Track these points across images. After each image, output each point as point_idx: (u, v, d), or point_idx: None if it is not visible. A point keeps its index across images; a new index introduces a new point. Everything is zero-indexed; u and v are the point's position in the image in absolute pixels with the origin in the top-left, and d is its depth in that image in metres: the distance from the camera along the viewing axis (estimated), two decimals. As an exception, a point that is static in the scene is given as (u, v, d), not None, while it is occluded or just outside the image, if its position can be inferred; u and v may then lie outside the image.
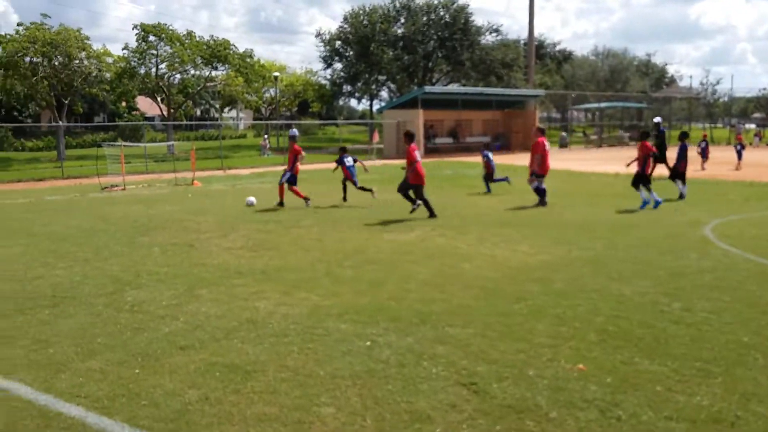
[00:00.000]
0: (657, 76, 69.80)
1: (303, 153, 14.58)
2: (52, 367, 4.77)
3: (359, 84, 55.87)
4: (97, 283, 7.36)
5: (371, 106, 61.48)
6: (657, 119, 20.88)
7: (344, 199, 15.23)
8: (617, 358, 4.79)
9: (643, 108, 53.75)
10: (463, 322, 5.67)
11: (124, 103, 62.40)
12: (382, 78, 55.68)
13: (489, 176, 17.15)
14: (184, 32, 42.59)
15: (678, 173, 15.01)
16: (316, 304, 6.34)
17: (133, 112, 67.73)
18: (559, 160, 29.91)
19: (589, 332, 5.36)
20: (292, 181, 14.27)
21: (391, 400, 4.12)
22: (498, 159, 28.52)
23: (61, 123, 37.45)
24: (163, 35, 40.68)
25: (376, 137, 37.88)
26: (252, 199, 14.84)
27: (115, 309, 6.29)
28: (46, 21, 36.54)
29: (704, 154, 24.29)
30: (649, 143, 13.73)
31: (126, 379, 4.53)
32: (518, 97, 43.62)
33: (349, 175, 14.97)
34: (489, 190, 16.91)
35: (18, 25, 36.46)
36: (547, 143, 14.14)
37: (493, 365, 4.67)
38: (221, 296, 6.68)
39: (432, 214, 11.91)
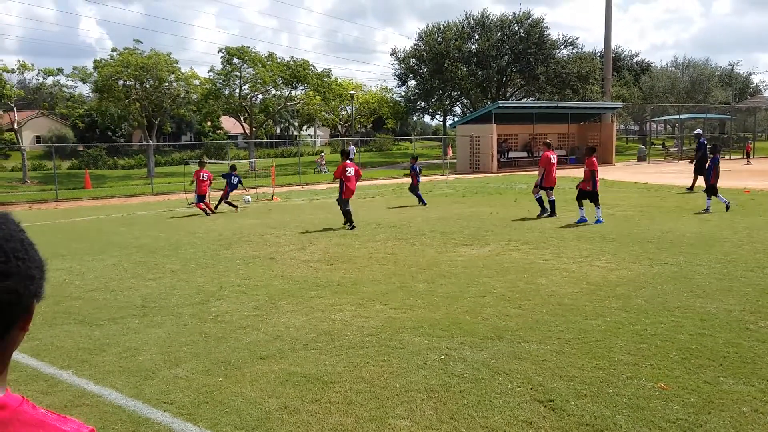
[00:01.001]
0: (740, 87, 66.47)
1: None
2: (141, 374, 5.06)
3: (433, 100, 56.13)
4: (183, 294, 7.74)
5: (445, 121, 61.54)
6: (697, 131, 20.81)
7: (422, 203, 17.36)
8: (701, 377, 4.62)
9: (725, 119, 51.26)
10: (539, 337, 5.61)
11: (209, 123, 65.15)
12: (455, 93, 55.72)
13: (413, 188, 17.99)
14: (266, 54, 44.18)
15: (709, 187, 14.65)
16: (390, 316, 6.43)
17: (218, 131, 70.61)
18: (637, 173, 28.96)
19: (672, 350, 5.18)
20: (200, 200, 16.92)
21: (466, 415, 4.13)
22: (573, 172, 27.90)
23: (151, 142, 39.53)
24: (246, 58, 42.31)
25: (450, 152, 37.86)
26: (248, 197, 18.27)
27: (200, 319, 6.59)
28: (138, 46, 38.83)
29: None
30: (595, 159, 13.29)
31: (210, 387, 4.74)
32: (594, 110, 42.56)
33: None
34: (424, 203, 17.59)
35: (112, 50, 38.94)
36: (553, 156, 14.21)
37: (570, 382, 4.59)
38: (300, 308, 6.88)
39: (350, 224, 13.07)
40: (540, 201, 14.31)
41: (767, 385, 4.42)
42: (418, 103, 57.00)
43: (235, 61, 42.54)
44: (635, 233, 11.40)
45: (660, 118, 57.25)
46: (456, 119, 53.50)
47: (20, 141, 38.88)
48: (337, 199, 13.69)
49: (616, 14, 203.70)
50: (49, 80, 38.42)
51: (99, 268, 9.58)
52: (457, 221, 13.71)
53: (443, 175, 32.37)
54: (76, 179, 34.63)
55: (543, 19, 52.30)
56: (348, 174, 13.23)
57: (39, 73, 38.64)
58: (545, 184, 14.17)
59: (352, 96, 48.92)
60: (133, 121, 41.26)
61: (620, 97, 55.59)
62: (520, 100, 55.75)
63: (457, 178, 29.74)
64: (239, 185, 18.60)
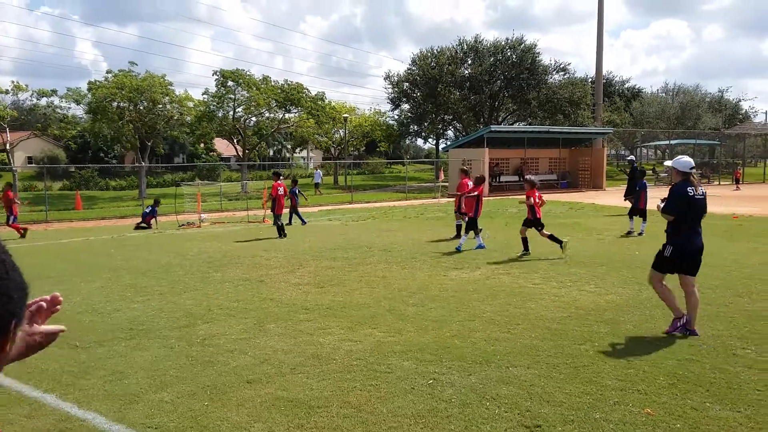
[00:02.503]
0: (730, 113, 67.29)
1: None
2: (126, 398, 5.01)
3: (426, 123, 56.54)
4: (171, 316, 7.69)
5: (437, 144, 61.98)
6: (630, 158, 22.58)
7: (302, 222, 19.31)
8: (688, 403, 4.62)
9: (715, 145, 51.85)
10: (528, 362, 5.60)
11: (202, 145, 65.24)
12: (448, 117, 56.16)
13: (293, 208, 19.56)
14: (260, 77, 44.45)
15: (638, 210, 15.34)
16: (379, 340, 6.41)
17: (211, 153, 70.67)
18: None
19: (659, 376, 5.19)
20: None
21: (452, 439, 4.11)
22: (564, 197, 28.07)
23: (143, 164, 39.51)
24: (241, 80, 42.55)
25: (442, 176, 38.03)
26: (204, 216, 19.49)
27: (187, 342, 6.54)
28: (133, 68, 39.02)
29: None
30: (476, 186, 13.28)
31: (195, 411, 4.70)
32: (585, 135, 42.98)
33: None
34: (304, 222, 19.21)
35: (107, 72, 39.06)
36: (470, 183, 14.13)
37: (558, 407, 4.59)
38: (288, 331, 6.85)
39: (282, 234, 15.71)
40: (459, 227, 14.60)
41: (753, 411, 4.43)
42: (411, 126, 57.38)
43: (230, 83, 42.77)
44: (625, 258, 11.45)
45: (650, 144, 57.89)
46: (448, 143, 53.92)
47: (12, 162, 38.77)
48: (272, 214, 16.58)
49: (607, 40, 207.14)
50: (43, 101, 38.54)
51: (87, 290, 9.51)
52: (448, 244, 13.73)
53: (435, 198, 32.48)
54: (67, 200, 34.49)
55: (535, 45, 52.99)
56: (279, 193, 16.52)
57: (33, 94, 38.78)
58: (465, 210, 14.25)
59: (345, 119, 49.16)
60: (126, 142, 41.26)
61: (611, 122, 56.19)
62: (512, 124, 56.19)
63: (449, 202, 29.82)
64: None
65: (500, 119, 56.11)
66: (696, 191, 6.40)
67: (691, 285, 6.45)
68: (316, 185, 40.21)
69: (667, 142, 51.60)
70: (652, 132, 54.27)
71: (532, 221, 12.19)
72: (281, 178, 17.20)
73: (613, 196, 28.86)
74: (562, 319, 7.15)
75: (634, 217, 15.39)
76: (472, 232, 13.03)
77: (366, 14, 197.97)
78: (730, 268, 10.23)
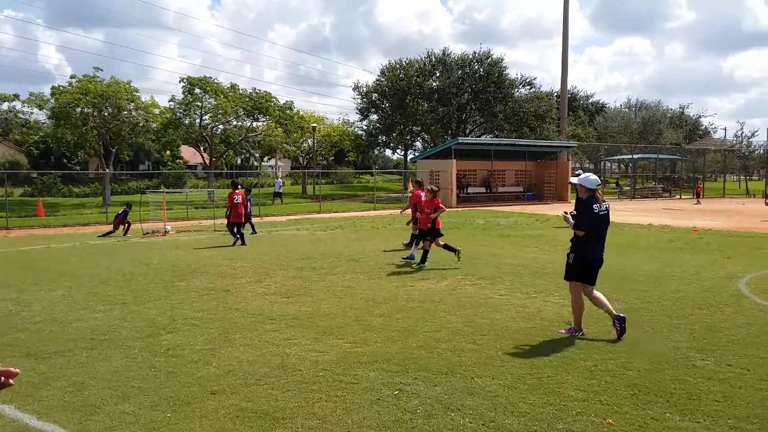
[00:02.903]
0: (690, 128, 69.28)
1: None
2: (87, 410, 4.91)
3: (394, 134, 56.76)
4: (134, 326, 7.56)
5: (405, 155, 62.18)
6: (578, 171, 22.56)
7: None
8: (648, 413, 4.72)
9: (677, 159, 53.24)
10: (492, 373, 5.66)
11: (168, 152, 64.38)
12: (416, 129, 56.49)
13: (248, 217, 19.13)
14: (228, 85, 44.11)
15: None
16: (345, 351, 6.40)
17: (177, 161, 69.82)
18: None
19: (621, 386, 5.29)
20: None
21: (417, 450, 4.12)
22: (530, 208, 28.45)
23: (107, 170, 38.81)
24: (208, 88, 42.16)
25: (410, 186, 38.16)
26: (168, 227, 19.85)
27: (150, 353, 6.44)
28: (98, 74, 38.36)
29: None
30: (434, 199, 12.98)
31: (157, 423, 4.63)
32: (551, 149, 43.73)
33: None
34: (254, 231, 19.57)
35: (71, 77, 38.32)
36: (423, 195, 14.17)
37: (521, 418, 4.64)
38: (253, 341, 6.80)
39: (241, 241, 16.29)
40: (414, 237, 14.83)
41: (712, 422, 4.54)
42: (380, 137, 57.54)
43: (197, 91, 42.34)
44: (588, 270, 11.62)
45: (614, 158, 59.08)
46: (417, 154, 54.21)
47: (-30, 166, 37.70)
48: (227, 223, 17.04)
49: (572, 56, 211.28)
50: (5, 106, 37.66)
51: (47, 299, 9.29)
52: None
53: (403, 209, 32.58)
54: (29, 207, 33.67)
55: (502, 59, 53.73)
56: (236, 201, 16.74)
57: (-7, 98, 37.83)
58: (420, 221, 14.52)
59: (313, 129, 49.09)
60: (90, 148, 40.47)
61: (575, 136, 57.28)
62: (480, 136, 56.82)
63: (417, 213, 29.99)
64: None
65: (468, 131, 56.69)
66: (600, 207, 6.88)
67: (589, 293, 7.02)
68: (277, 195, 39.82)
69: (630, 156, 52.77)
70: (615, 146, 55.45)
71: (431, 231, 12.19)
72: (239, 187, 17.64)
73: (578, 209, 29.31)
74: (527, 329, 7.24)
75: None
76: (421, 242, 12.77)
77: (335, 24, 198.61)
78: (690, 280, 10.49)
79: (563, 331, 7.11)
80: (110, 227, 20.44)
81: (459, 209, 32.14)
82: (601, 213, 6.86)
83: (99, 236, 19.48)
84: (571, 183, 7.49)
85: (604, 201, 6.98)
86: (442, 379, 5.49)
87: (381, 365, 5.89)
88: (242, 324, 7.61)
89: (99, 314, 8.25)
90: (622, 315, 6.88)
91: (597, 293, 7.04)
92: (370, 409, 4.83)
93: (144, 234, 19.88)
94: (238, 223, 16.71)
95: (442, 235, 12.55)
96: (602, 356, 6.13)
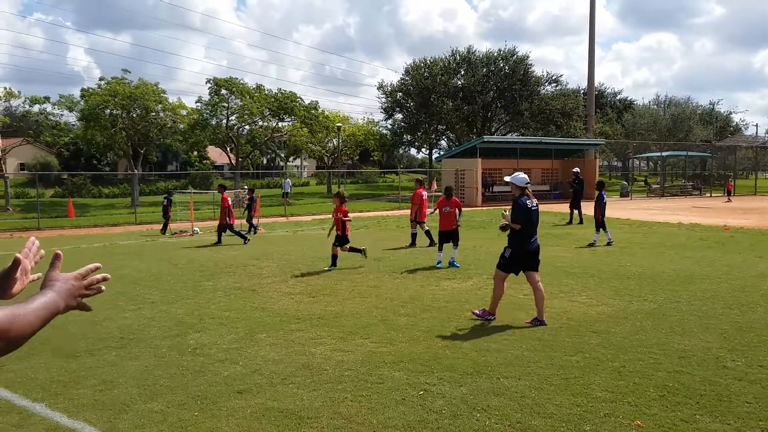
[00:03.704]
0: (721, 125, 67.87)
1: None
2: (116, 408, 4.98)
3: (419, 133, 56.74)
4: (162, 325, 7.67)
5: (430, 154, 62.16)
6: (575, 169, 23.37)
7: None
8: (677, 415, 4.64)
9: (707, 157, 52.26)
10: (518, 373, 5.61)
11: (195, 153, 65.18)
12: (441, 128, 56.38)
13: (250, 218, 20.41)
14: (254, 86, 44.50)
15: (597, 222, 15.47)
16: (371, 351, 6.41)
17: (204, 161, 70.61)
18: (620, 209, 29.31)
19: (649, 388, 5.21)
20: None
21: (442, 451, 4.10)
22: (556, 207, 28.17)
23: (136, 171, 39.42)
24: (234, 89, 42.58)
25: (435, 185, 38.06)
26: (197, 228, 19.83)
27: (178, 352, 6.52)
28: (126, 76, 38.97)
29: None
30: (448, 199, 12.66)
31: (185, 422, 4.68)
32: (577, 146, 43.23)
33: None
34: (255, 231, 19.96)
35: (100, 79, 39.03)
36: (424, 193, 15.29)
37: (548, 419, 4.59)
38: (279, 341, 6.84)
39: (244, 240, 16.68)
40: (414, 236, 15.53)
41: (743, 424, 4.45)
42: (405, 136, 57.56)
43: (223, 92, 42.81)
44: (616, 269, 11.49)
45: (642, 155, 58.22)
46: (442, 153, 54.13)
47: (4, 168, 38.59)
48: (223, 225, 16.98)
49: (599, 52, 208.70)
50: (36, 108, 38.39)
51: (78, 299, 9.45)
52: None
53: (428, 208, 32.50)
54: (60, 207, 34.36)
55: (528, 56, 53.32)
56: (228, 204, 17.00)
57: (25, 100, 38.65)
58: (418, 218, 15.41)
59: (338, 128, 49.28)
60: (119, 150, 41.18)
61: (603, 133, 56.52)
62: (505, 135, 56.45)
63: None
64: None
65: (493, 130, 56.38)
66: (532, 203, 7.59)
67: (535, 281, 7.59)
68: (285, 195, 38.63)
69: (659, 153, 51.96)
70: (643, 143, 54.63)
71: (341, 237, 11.92)
72: (227, 190, 18.23)
73: (606, 207, 28.91)
74: (553, 330, 7.17)
75: (599, 229, 15.51)
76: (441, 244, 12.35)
77: (359, 24, 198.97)
78: (721, 279, 10.29)
79: (477, 312, 7.80)
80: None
81: (484, 208, 31.97)
82: (533, 208, 7.57)
83: (173, 233, 20.22)
84: (505, 181, 8.00)
85: (533, 198, 7.68)
86: (468, 380, 5.46)
87: (406, 365, 5.89)
88: (268, 323, 7.66)
89: (128, 314, 8.38)
90: (545, 322, 7.40)
91: (541, 286, 7.57)
92: (395, 409, 4.83)
93: (172, 234, 20.14)
94: (228, 225, 17.04)
95: (348, 242, 12.18)
96: (630, 357, 6.05)
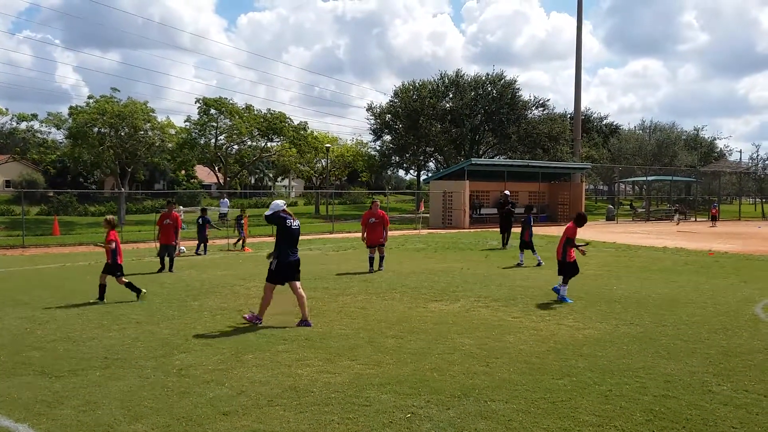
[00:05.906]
0: (705, 151, 68.92)
1: None
2: (100, 429, 4.91)
3: (407, 155, 57.03)
4: (147, 346, 7.59)
5: (418, 176, 62.45)
6: (506, 192, 25.36)
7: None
8: (664, 439, 4.65)
9: (692, 182, 52.86)
10: (506, 396, 5.61)
11: (183, 172, 65.02)
12: (429, 150, 56.73)
13: (203, 239, 20.43)
14: (243, 105, 44.63)
15: (524, 243, 16.66)
16: (358, 372, 6.38)
17: (192, 180, 70.43)
18: (606, 232, 29.52)
19: (636, 411, 5.22)
20: None
21: (429, 474, 4.08)
22: (543, 230, 28.33)
23: (123, 189, 39.21)
24: (223, 108, 42.67)
25: (422, 207, 38.24)
26: (183, 248, 18.73)
27: (163, 372, 6.45)
28: (115, 94, 38.94)
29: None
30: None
31: (170, 443, 4.62)
32: (564, 170, 43.62)
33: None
34: (202, 253, 20.03)
35: (89, 97, 38.95)
36: (372, 219, 15.27)
37: (535, 442, 4.58)
38: (266, 362, 6.79)
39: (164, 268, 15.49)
40: (371, 259, 15.34)
41: (728, 448, 4.46)
42: (393, 157, 57.81)
43: (212, 111, 42.87)
44: (603, 292, 11.56)
45: (628, 179, 58.82)
46: (429, 174, 54.42)
47: (-11, 185, 38.27)
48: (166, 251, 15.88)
49: (585, 77, 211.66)
50: (23, 125, 38.24)
51: (62, 318, 9.36)
52: (428, 276, 13.77)
53: (416, 229, 32.57)
54: (45, 225, 34.03)
55: (515, 81, 54.03)
56: (165, 223, 16.01)
57: (13, 117, 38.51)
58: (367, 243, 15.42)
59: (327, 149, 49.41)
60: (106, 168, 40.96)
61: (589, 157, 57.19)
62: (493, 158, 56.91)
63: (429, 233, 29.94)
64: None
65: (481, 152, 56.81)
66: (293, 223, 8.85)
67: (297, 288, 8.76)
68: (221, 216, 34.05)
69: (644, 178, 52.53)
70: (629, 168, 55.22)
71: (111, 266, 11.06)
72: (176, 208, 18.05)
73: (592, 231, 29.18)
74: (540, 353, 7.18)
75: (524, 250, 16.60)
76: None
77: (349, 46, 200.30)
78: (706, 304, 10.38)
79: (247, 316, 8.85)
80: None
81: (472, 230, 32.08)
82: (293, 226, 8.83)
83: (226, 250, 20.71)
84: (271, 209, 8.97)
85: (295, 219, 9.01)
86: (455, 403, 5.45)
87: (393, 387, 5.86)
88: (254, 344, 7.61)
89: (113, 333, 8.29)
90: (310, 323, 8.62)
91: (302, 292, 8.77)
92: (382, 432, 4.80)
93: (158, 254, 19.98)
94: (174, 246, 15.94)
95: (120, 271, 11.25)
96: (617, 381, 6.07)
